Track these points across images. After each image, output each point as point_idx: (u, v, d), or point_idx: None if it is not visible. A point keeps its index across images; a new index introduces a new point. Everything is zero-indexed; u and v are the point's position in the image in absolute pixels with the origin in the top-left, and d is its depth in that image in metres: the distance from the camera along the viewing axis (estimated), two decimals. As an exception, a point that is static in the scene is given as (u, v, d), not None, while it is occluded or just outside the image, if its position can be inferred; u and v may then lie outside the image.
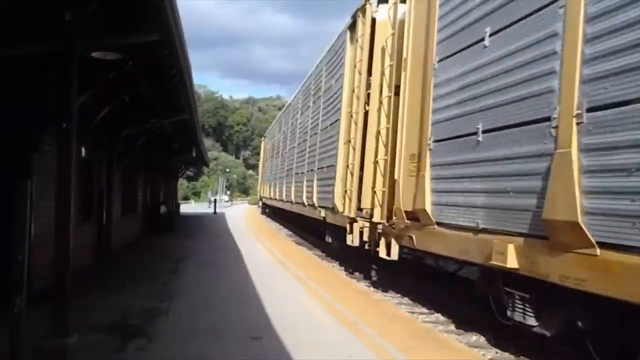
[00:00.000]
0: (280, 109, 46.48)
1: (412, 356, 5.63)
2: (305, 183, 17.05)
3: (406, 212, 8.28)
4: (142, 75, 9.24)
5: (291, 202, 20.16)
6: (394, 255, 8.99)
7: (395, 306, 8.75)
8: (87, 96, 8.04)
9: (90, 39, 6.49)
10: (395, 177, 8.82)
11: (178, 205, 34.63)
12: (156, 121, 13.41)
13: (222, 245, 17.02)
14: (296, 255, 15.07)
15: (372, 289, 10.41)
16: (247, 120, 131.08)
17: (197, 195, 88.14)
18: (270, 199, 29.08)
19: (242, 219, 34.57)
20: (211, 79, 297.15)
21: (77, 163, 8.00)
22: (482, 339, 7.03)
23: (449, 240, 7.00)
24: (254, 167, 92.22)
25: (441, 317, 8.27)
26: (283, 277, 10.85)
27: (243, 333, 6.37)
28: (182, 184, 73.56)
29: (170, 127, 15.10)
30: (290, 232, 23.94)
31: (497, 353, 6.51)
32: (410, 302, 9.37)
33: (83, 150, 10.34)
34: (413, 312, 8.51)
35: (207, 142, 73.19)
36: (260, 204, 41.02)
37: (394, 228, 8.92)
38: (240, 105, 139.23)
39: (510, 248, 5.48)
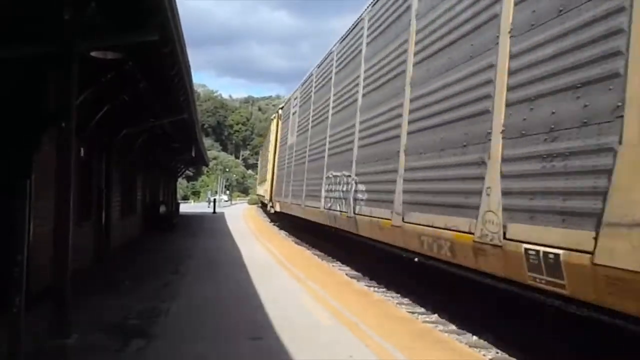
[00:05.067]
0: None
1: (413, 356, 5.63)
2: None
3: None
4: (141, 75, 9.23)
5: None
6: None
7: (395, 306, 8.74)
8: (86, 96, 8.04)
9: (89, 39, 6.48)
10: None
11: (177, 205, 34.64)
12: (156, 121, 13.40)
13: (222, 245, 17.01)
14: (296, 255, 15.06)
15: (372, 289, 10.42)
16: (247, 119, 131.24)
17: (196, 194, 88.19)
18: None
19: (241, 219, 34.58)
20: (207, 78, 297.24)
21: (77, 163, 7.99)
22: (482, 339, 7.03)
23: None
24: (254, 166, 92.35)
25: (441, 317, 8.26)
26: (283, 277, 10.84)
27: (243, 333, 6.37)
28: (182, 184, 73.61)
29: (169, 126, 15.10)
30: (289, 233, 23.94)
31: (497, 353, 6.51)
32: (410, 302, 9.37)
33: (82, 149, 10.32)
34: (413, 312, 8.50)
35: (207, 141, 73.19)
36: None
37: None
38: (240, 105, 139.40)
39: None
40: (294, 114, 20.52)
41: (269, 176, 27.47)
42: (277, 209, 23.63)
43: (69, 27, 6.02)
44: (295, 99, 20.69)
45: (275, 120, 26.65)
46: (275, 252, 15.15)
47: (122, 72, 8.61)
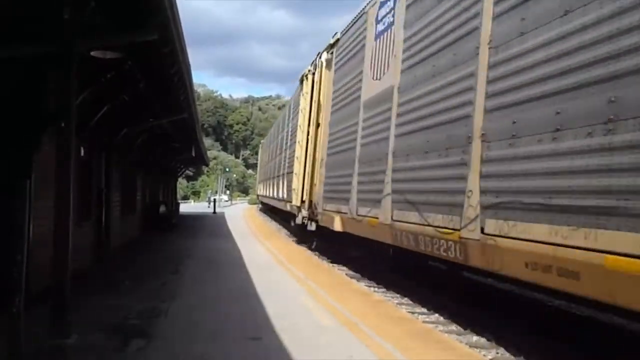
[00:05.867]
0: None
1: (413, 356, 5.62)
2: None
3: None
4: (141, 75, 9.23)
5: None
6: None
7: (395, 306, 8.73)
8: (86, 95, 8.04)
9: (89, 39, 6.47)
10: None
11: (177, 205, 34.63)
12: (155, 120, 13.40)
13: (222, 245, 17.01)
14: (296, 255, 15.05)
15: (372, 289, 10.41)
16: (247, 119, 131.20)
17: (196, 194, 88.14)
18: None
19: (241, 219, 34.57)
20: (207, 78, 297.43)
21: (77, 162, 7.98)
22: (483, 339, 7.03)
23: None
24: (254, 166, 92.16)
25: (441, 318, 8.25)
26: (283, 277, 10.84)
27: (243, 333, 6.36)
28: (182, 184, 73.60)
29: (169, 126, 15.10)
30: (289, 233, 23.90)
31: (497, 353, 6.50)
32: (411, 302, 9.36)
33: (82, 149, 10.32)
34: (413, 313, 8.49)
35: (207, 141, 73.16)
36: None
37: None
38: (240, 105, 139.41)
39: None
40: (379, 35, 10.07)
41: (297, 167, 16.96)
42: (337, 227, 11.87)
43: (69, 27, 6.01)
44: (382, 4, 10.05)
45: (310, 78, 16.17)
46: (275, 252, 15.15)
47: (122, 72, 8.61)
